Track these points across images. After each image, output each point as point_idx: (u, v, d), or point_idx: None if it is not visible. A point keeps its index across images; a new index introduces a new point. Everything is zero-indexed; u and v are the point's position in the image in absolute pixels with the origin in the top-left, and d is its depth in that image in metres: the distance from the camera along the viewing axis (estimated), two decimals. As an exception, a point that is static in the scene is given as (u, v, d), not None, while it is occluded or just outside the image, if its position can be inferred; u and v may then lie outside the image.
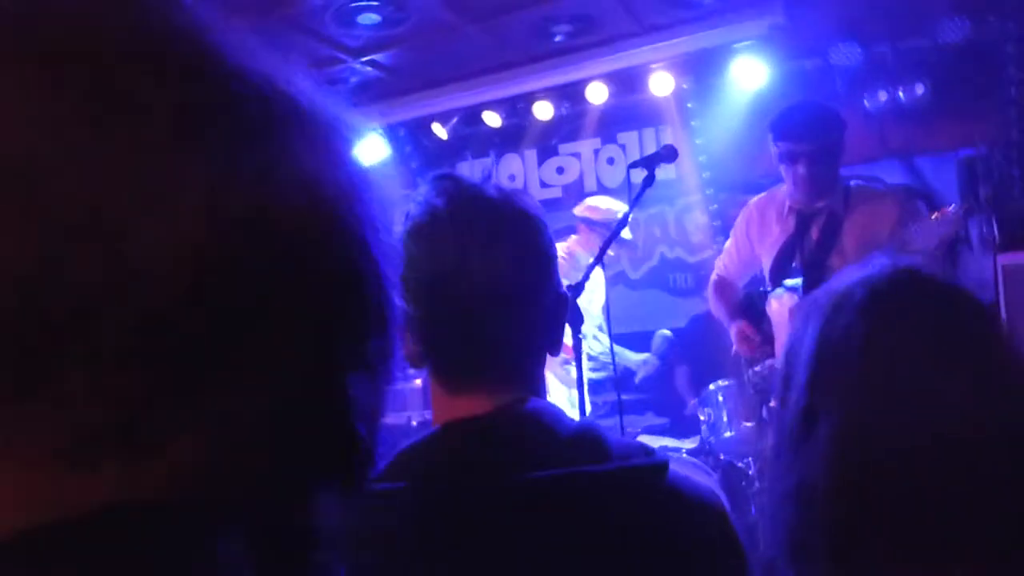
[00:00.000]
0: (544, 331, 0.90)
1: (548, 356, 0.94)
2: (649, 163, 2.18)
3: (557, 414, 0.86)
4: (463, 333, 0.85)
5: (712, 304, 3.10)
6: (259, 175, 0.36)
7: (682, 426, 4.55)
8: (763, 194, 2.96)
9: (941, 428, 0.69)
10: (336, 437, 0.40)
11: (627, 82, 4.57)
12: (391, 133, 5.24)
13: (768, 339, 2.84)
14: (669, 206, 5.23)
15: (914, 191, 4.68)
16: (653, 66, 4.43)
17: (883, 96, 4.46)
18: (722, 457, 4.01)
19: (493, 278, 0.84)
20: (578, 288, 1.90)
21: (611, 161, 5.21)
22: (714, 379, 4.16)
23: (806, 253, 2.73)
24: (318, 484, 0.40)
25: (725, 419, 4.09)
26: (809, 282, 2.67)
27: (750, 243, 2.93)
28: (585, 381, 1.98)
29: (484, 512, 0.78)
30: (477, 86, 4.61)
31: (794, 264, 2.75)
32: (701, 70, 4.51)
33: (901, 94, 4.39)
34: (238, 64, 0.37)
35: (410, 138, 5.34)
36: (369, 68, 4.27)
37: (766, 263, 2.87)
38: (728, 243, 3.09)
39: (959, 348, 0.74)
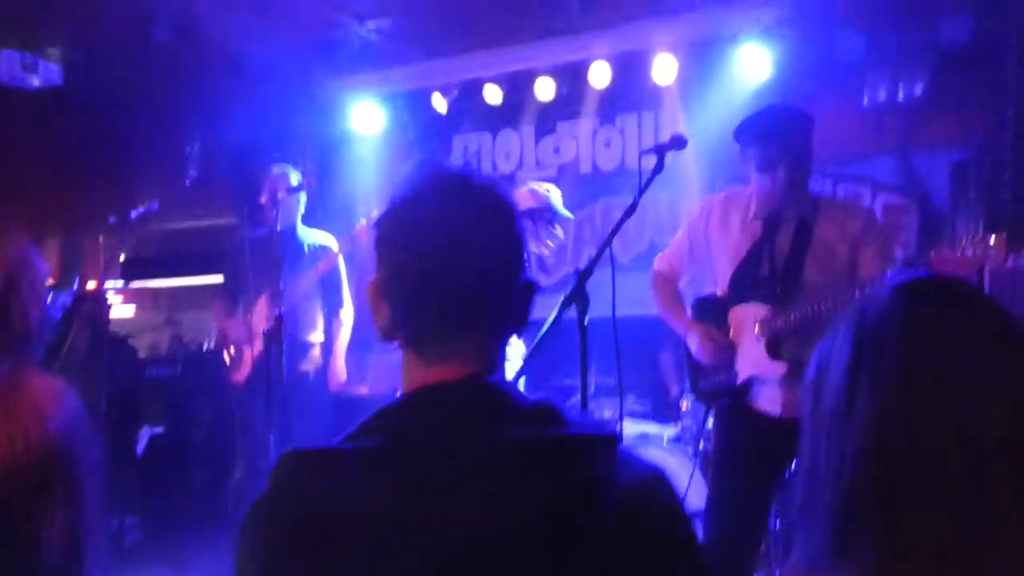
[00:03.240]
0: (514, 312, 0.97)
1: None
2: (660, 150, 2.17)
3: (515, 388, 0.95)
4: (444, 308, 0.92)
5: (656, 301, 2.95)
6: None
7: (664, 412, 4.58)
8: (724, 192, 2.83)
9: (974, 410, 0.73)
10: None
11: (630, 65, 4.55)
12: (390, 102, 5.19)
13: (730, 346, 2.71)
14: (662, 191, 5.22)
15: (910, 200, 4.71)
16: (657, 50, 4.41)
17: (882, 91, 4.47)
18: (702, 446, 4.04)
19: (475, 259, 0.91)
20: (586, 273, 1.90)
21: (608, 143, 5.19)
22: (699, 366, 4.19)
23: (777, 262, 2.61)
24: None
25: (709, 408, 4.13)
26: (782, 291, 2.57)
27: (707, 241, 2.79)
28: (585, 366, 1.99)
29: (450, 468, 0.85)
30: (480, 60, 4.57)
31: (764, 272, 2.62)
32: (705, 57, 4.50)
33: (900, 91, 4.41)
34: None
35: (409, 108, 5.29)
36: (373, 35, 4.22)
37: (723, 267, 2.73)
38: (679, 237, 2.93)
39: (991, 337, 0.77)
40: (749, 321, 2.65)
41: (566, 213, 3.31)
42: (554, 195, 3.30)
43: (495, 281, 0.93)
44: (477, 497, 0.84)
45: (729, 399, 2.71)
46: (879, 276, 2.35)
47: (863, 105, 4.51)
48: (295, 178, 3.99)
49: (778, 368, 2.57)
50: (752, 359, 2.64)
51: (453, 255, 0.91)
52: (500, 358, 0.97)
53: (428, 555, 0.82)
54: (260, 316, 3.97)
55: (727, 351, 2.71)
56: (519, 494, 0.83)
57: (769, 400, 2.62)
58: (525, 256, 0.97)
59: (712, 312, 2.78)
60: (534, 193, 3.29)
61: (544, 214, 3.25)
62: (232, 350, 4.05)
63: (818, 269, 2.56)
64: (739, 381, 2.68)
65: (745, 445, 2.67)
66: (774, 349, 2.58)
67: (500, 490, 0.84)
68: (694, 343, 2.76)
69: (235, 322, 4.09)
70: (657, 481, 0.92)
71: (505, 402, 0.91)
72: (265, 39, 4.32)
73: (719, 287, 2.77)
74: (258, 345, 3.89)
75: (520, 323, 0.99)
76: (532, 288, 0.99)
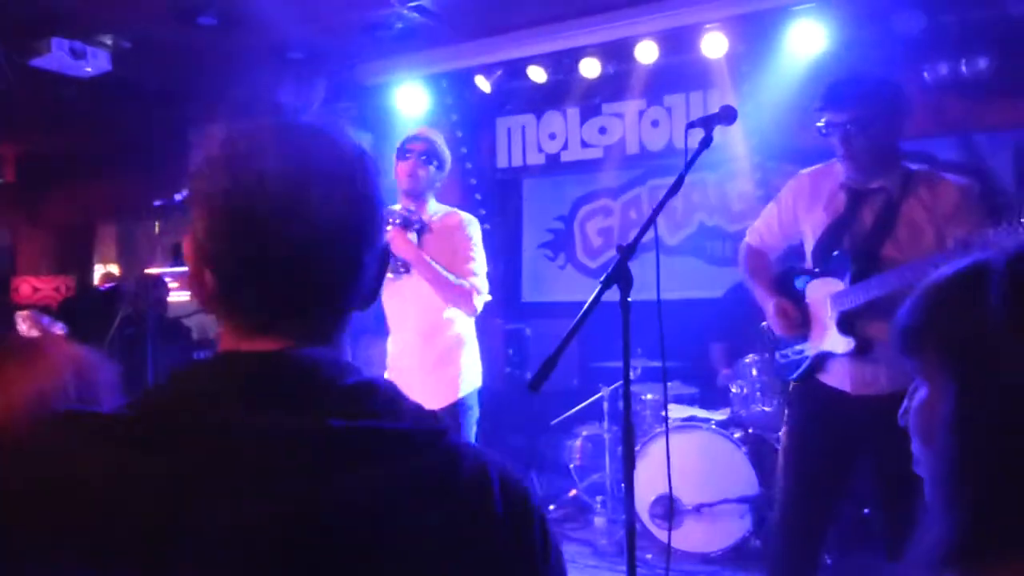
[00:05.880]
0: (358, 283, 0.84)
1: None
2: (707, 123, 2.07)
3: (341, 366, 0.80)
4: (270, 273, 0.79)
5: (744, 274, 2.91)
6: None
7: (712, 397, 4.50)
8: (818, 165, 2.75)
9: None
10: None
11: (679, 42, 4.44)
12: (433, 84, 5.15)
13: (806, 320, 2.68)
14: (711, 172, 5.11)
15: (974, 180, 4.52)
16: (707, 26, 4.29)
17: (944, 69, 4.29)
18: (751, 431, 3.96)
19: (312, 214, 0.78)
20: (630, 248, 1.83)
21: (655, 123, 5.09)
22: (748, 352, 4.10)
23: (857, 237, 2.53)
24: None
25: (758, 393, 4.03)
26: (859, 268, 2.49)
27: (795, 215, 2.74)
28: (627, 346, 1.92)
29: (216, 450, 0.71)
30: (524, 39, 4.50)
31: (843, 247, 2.55)
32: (756, 33, 4.37)
33: (963, 67, 4.22)
34: None
35: (452, 90, 5.25)
36: (415, 15, 4.18)
37: (809, 240, 2.68)
38: (769, 210, 2.87)
39: None
40: (823, 296, 2.59)
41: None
42: None
43: (326, 245, 0.79)
44: (216, 493, 0.69)
45: (801, 374, 2.67)
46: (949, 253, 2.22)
47: (924, 82, 4.34)
48: None
49: (847, 344, 2.51)
50: (823, 334, 2.60)
51: (280, 217, 0.77)
52: (336, 333, 0.85)
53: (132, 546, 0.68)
54: None
55: (799, 326, 2.67)
56: (277, 495, 0.70)
57: (839, 376, 2.56)
58: (378, 217, 0.84)
59: (793, 284, 2.74)
60: None
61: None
62: None
63: (899, 247, 2.47)
64: (812, 356, 2.63)
65: (816, 422, 2.62)
66: (845, 325, 2.53)
67: (253, 486, 0.70)
68: (768, 315, 2.74)
69: None
70: (494, 486, 0.79)
71: (305, 382, 0.77)
72: (307, 23, 4.31)
73: (806, 260, 2.73)
74: None
75: (367, 298, 0.86)
76: (384, 254, 0.87)
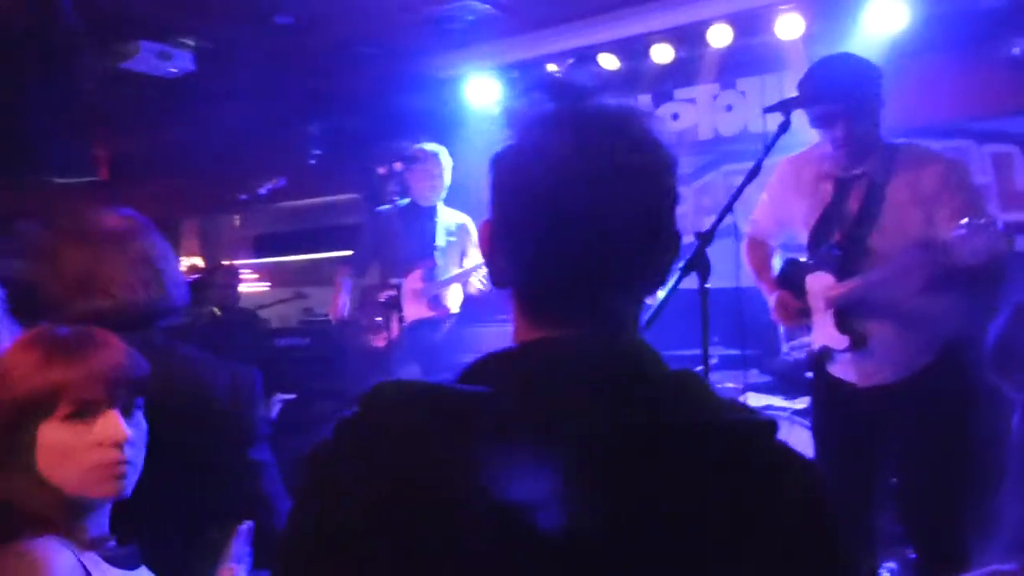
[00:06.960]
0: (654, 271, 0.82)
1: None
2: (785, 107, 2.07)
3: (655, 355, 0.79)
4: (569, 259, 0.77)
5: (747, 265, 2.88)
6: None
7: (789, 385, 4.42)
8: (799, 151, 2.70)
9: None
10: None
11: (752, 24, 4.36)
12: (504, 75, 5.18)
13: (807, 310, 2.64)
14: (786, 156, 5.01)
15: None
16: (782, 7, 4.20)
17: (1034, 40, 4.11)
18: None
19: (617, 205, 0.76)
20: (708, 236, 1.84)
21: (729, 108, 5.01)
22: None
23: (846, 227, 2.47)
24: None
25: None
26: (848, 261, 2.43)
27: (786, 202, 2.69)
28: (706, 334, 1.92)
29: (572, 438, 0.70)
30: (594, 26, 4.48)
31: (832, 240, 2.50)
32: (833, 11, 4.25)
33: (1056, 39, 4.03)
34: None
35: (523, 80, 5.26)
36: (485, 6, 4.21)
37: (801, 231, 2.65)
38: (761, 200, 2.83)
39: None
40: (820, 290, 2.55)
41: None
42: None
43: (630, 235, 0.77)
44: (588, 476, 0.69)
45: (813, 367, 2.63)
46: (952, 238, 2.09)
47: (1012, 55, 4.16)
48: (414, 151, 4.15)
49: (841, 341, 2.45)
50: (821, 329, 2.57)
51: (576, 203, 0.75)
52: (633, 322, 0.82)
53: (538, 544, 0.68)
54: (412, 286, 4.15)
55: (800, 318, 2.65)
56: (640, 482, 0.69)
57: (844, 369, 2.54)
58: (672, 204, 0.81)
59: (794, 276, 2.69)
60: None
61: None
62: (380, 316, 4.20)
63: (886, 236, 2.39)
64: (816, 349, 2.61)
65: (833, 412, 2.61)
66: (840, 320, 2.47)
67: (618, 475, 0.69)
68: (771, 307, 2.73)
69: (387, 289, 4.24)
70: (816, 483, 0.76)
71: (633, 371, 0.75)
72: (379, 18, 4.39)
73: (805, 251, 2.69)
74: (410, 313, 4.05)
75: (660, 283, 0.84)
76: (677, 242, 0.83)
